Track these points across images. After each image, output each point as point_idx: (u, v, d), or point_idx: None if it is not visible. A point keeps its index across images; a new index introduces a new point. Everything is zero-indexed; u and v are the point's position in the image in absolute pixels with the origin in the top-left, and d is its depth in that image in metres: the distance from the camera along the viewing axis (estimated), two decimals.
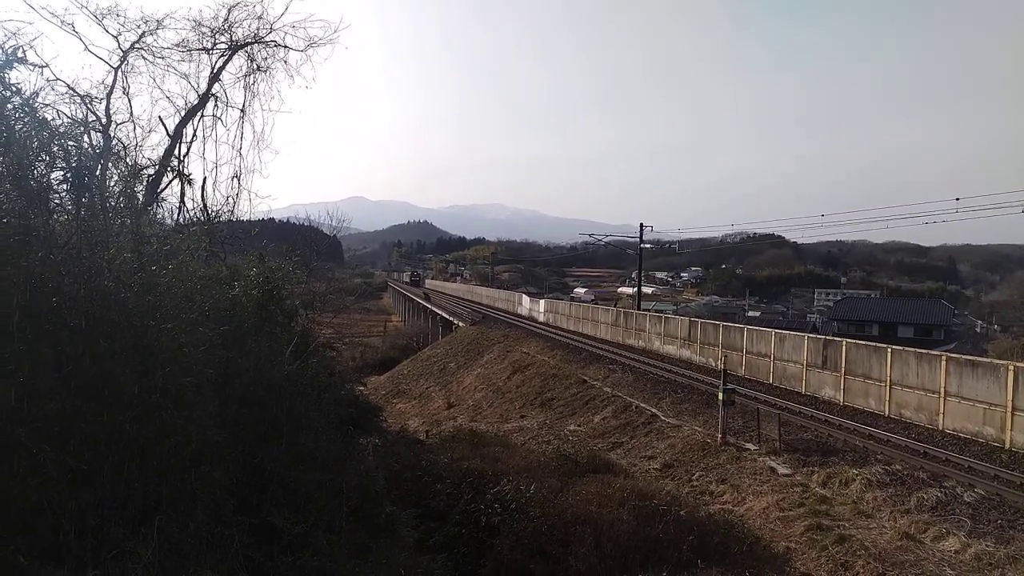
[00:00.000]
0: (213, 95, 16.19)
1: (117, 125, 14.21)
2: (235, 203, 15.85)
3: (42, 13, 12.60)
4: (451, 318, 66.74)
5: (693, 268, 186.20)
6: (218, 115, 16.26)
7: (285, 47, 16.40)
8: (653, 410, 23.91)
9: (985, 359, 19.92)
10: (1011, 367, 17.62)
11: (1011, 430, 17.16)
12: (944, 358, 19.81)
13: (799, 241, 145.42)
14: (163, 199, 14.46)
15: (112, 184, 8.78)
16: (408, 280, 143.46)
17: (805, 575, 11.89)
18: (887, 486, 14.70)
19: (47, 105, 8.62)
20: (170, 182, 14.91)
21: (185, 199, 14.90)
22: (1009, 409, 17.23)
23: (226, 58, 16.23)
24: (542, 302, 63.21)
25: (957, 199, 27.10)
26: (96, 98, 13.83)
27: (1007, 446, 17.06)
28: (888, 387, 21.29)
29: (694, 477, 17.66)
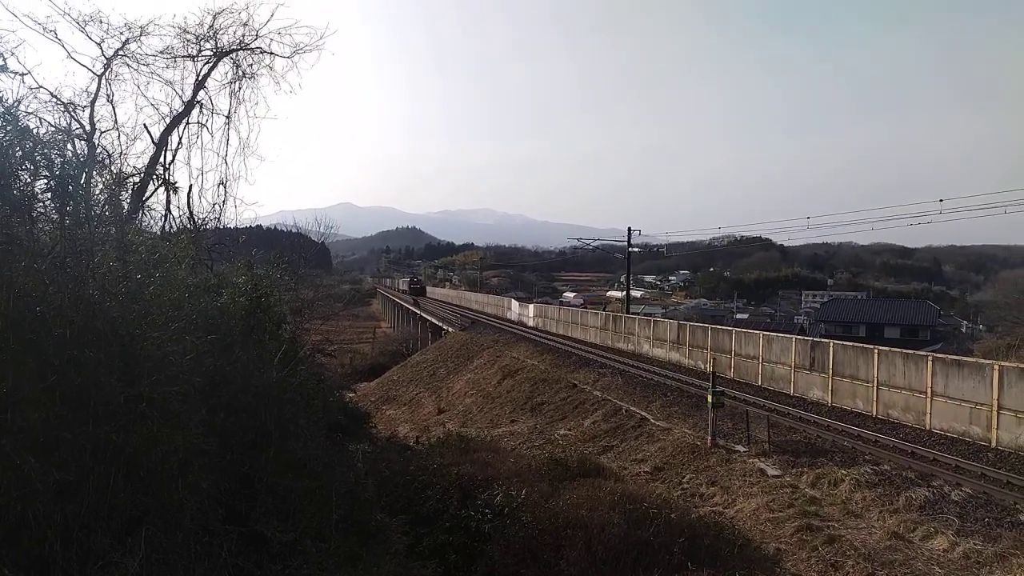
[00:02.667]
0: (198, 102, 16.15)
1: (101, 133, 14.14)
2: (221, 210, 15.80)
3: (24, 20, 12.54)
4: (440, 324, 66.59)
5: (681, 271, 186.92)
6: (203, 122, 16.23)
7: (271, 53, 16.39)
8: (643, 413, 23.94)
9: (971, 358, 20.08)
10: (996, 366, 17.76)
11: (997, 429, 17.29)
12: (930, 358, 19.95)
13: (786, 243, 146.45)
14: (149, 207, 14.40)
15: (97, 192, 8.73)
16: (407, 288, 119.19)
17: None
18: (876, 486, 14.77)
19: (30, 113, 8.57)
20: (155, 190, 14.85)
21: (171, 207, 14.84)
22: (995, 408, 17.37)
23: (211, 65, 16.20)
24: (531, 307, 63.20)
25: (941, 200, 27.30)
26: (80, 106, 13.78)
27: (993, 445, 17.19)
28: (875, 388, 21.42)
29: (684, 480, 17.67)
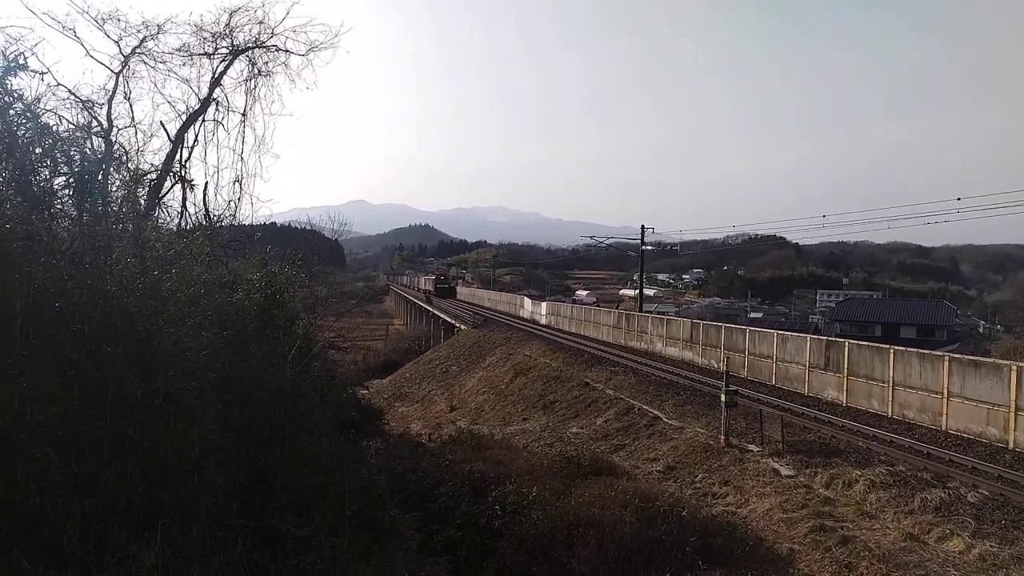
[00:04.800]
0: (214, 100, 16.24)
1: (119, 130, 14.25)
2: (237, 207, 15.87)
3: (43, 18, 12.65)
4: (453, 321, 66.70)
5: (695, 270, 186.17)
6: (219, 119, 16.31)
7: (286, 51, 16.45)
8: (656, 412, 23.88)
9: (988, 359, 19.88)
10: (1014, 367, 17.57)
11: (1015, 430, 17.11)
12: (947, 358, 19.77)
13: (801, 242, 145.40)
14: (165, 204, 14.51)
15: (114, 189, 8.81)
16: (432, 288, 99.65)
17: None
18: (890, 487, 14.66)
19: (49, 111, 8.64)
20: (172, 187, 14.97)
21: (187, 204, 14.95)
22: (1012, 409, 17.18)
23: (227, 63, 16.28)
24: (544, 304, 63.16)
25: (959, 199, 27.07)
26: (98, 103, 13.87)
27: (1011, 446, 17.01)
28: (891, 388, 21.25)
29: (697, 479, 17.63)
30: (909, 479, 14.97)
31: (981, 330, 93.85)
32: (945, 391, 19.22)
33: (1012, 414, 17.19)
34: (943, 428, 19.08)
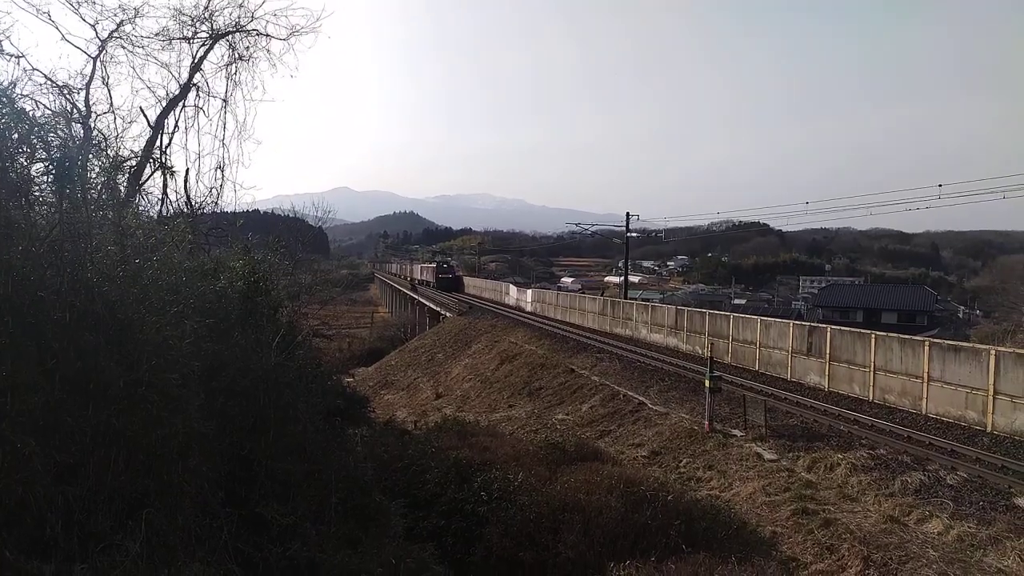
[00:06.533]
0: (195, 85, 16.00)
1: (97, 116, 13.97)
2: (219, 194, 15.68)
3: (18, 1, 12.38)
4: (438, 308, 66.60)
5: (680, 257, 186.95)
6: (200, 105, 16.07)
7: (267, 36, 16.23)
8: (640, 398, 24.03)
9: (967, 344, 20.15)
10: (993, 352, 17.83)
11: (993, 414, 17.38)
12: (927, 343, 20.03)
13: (784, 229, 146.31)
14: (145, 191, 14.30)
15: (94, 176, 8.69)
16: (433, 279, 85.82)
17: (791, 559, 12.02)
18: (871, 470, 14.87)
19: (25, 96, 8.48)
20: (152, 173, 14.74)
21: (168, 191, 14.74)
22: (991, 393, 17.45)
23: (207, 47, 16.04)
24: (529, 292, 63.20)
25: (940, 186, 27.38)
26: (75, 89, 13.60)
27: (989, 429, 17.29)
28: (872, 373, 21.50)
29: (681, 464, 17.78)
30: (890, 462, 15.19)
31: (961, 315, 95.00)
32: (925, 375, 19.48)
33: (990, 398, 17.46)
34: (923, 412, 19.35)
